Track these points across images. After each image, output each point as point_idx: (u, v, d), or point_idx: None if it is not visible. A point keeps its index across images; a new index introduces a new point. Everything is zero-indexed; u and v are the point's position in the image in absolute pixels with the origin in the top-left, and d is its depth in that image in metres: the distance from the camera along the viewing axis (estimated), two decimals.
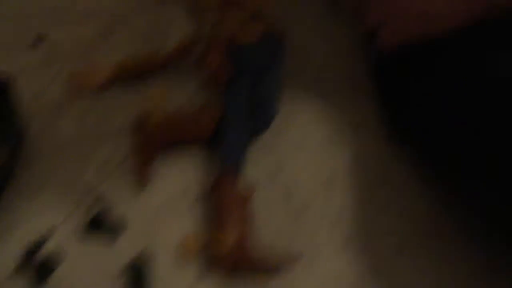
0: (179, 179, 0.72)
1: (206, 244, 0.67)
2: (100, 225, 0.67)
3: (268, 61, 0.78)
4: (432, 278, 0.67)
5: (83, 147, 0.75)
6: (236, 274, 0.65)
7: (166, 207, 0.69)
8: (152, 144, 0.71)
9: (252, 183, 0.69)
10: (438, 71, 0.67)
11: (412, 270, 0.68)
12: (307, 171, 0.73)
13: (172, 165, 0.73)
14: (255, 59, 0.77)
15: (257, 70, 0.76)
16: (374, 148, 0.77)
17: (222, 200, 0.65)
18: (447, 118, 0.66)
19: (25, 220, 0.69)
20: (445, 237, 0.70)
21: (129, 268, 0.65)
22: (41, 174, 0.72)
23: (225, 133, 0.70)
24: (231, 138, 0.70)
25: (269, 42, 0.79)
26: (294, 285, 0.66)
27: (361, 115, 0.80)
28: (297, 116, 0.79)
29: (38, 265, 0.65)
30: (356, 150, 0.76)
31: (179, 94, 0.81)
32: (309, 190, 0.72)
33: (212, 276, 0.66)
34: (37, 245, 0.66)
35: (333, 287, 0.67)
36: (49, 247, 0.67)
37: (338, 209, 0.71)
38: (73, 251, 0.67)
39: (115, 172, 0.72)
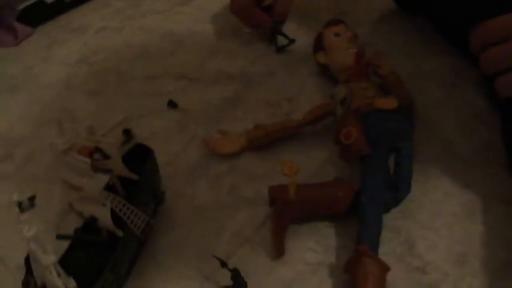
0: (311, 254, 0.72)
1: None
2: None
3: (404, 131, 0.77)
4: None
5: (218, 214, 0.77)
6: None
7: (298, 282, 0.70)
8: (287, 217, 0.71)
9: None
10: None
11: None
12: (437, 252, 0.72)
13: (303, 240, 0.74)
14: (391, 127, 0.76)
15: (394, 140, 0.75)
16: (509, 223, 0.74)
17: (356, 280, 0.65)
18: None
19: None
20: None
21: None
22: (175, 242, 0.74)
23: (363, 210, 0.70)
24: (368, 216, 0.69)
25: (402, 112, 0.78)
26: None
27: (496, 187, 0.78)
28: (427, 193, 0.78)
29: None
30: (491, 226, 0.74)
31: (308, 163, 0.82)
32: (440, 271, 0.70)
33: None
34: None
35: None
36: None
37: (469, 287, 0.69)
38: None
39: (248, 242, 0.73)
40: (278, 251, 0.71)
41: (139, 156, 0.73)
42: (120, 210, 0.65)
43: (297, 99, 0.92)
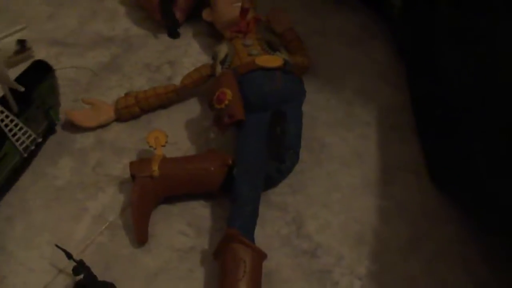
0: (181, 238, 0.62)
1: None
2: None
3: (289, 92, 0.67)
4: None
5: (79, 196, 0.66)
6: None
7: (164, 272, 0.60)
8: (150, 196, 0.61)
9: (265, 246, 0.58)
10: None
11: None
12: (330, 232, 0.63)
13: (174, 222, 0.63)
14: (273, 88, 0.66)
15: (277, 102, 0.65)
16: (413, 195, 0.66)
17: (225, 270, 0.54)
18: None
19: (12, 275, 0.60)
20: None
21: None
22: (28, 229, 0.64)
23: (235, 188, 0.59)
24: (241, 193, 0.59)
25: (289, 72, 0.68)
26: None
27: (402, 155, 0.70)
28: (322, 164, 0.69)
29: None
30: (395, 200, 0.66)
31: (185, 134, 0.72)
32: (333, 254, 0.62)
33: None
34: None
35: None
36: None
37: (367, 271, 0.60)
38: None
39: (110, 228, 0.63)
40: (139, 237, 0.61)
41: (40, 74, 0.68)
42: (2, 120, 0.62)
43: (180, 62, 0.81)
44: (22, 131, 0.64)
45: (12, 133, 0.63)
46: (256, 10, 0.77)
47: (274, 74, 0.65)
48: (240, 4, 0.74)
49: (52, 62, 0.77)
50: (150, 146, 0.63)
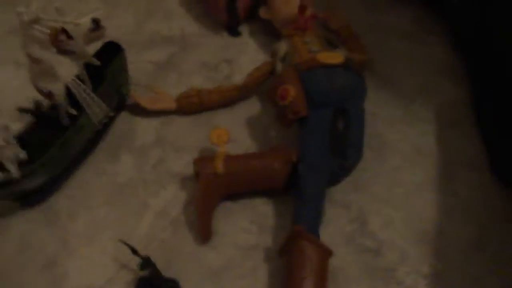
0: (244, 236, 0.62)
1: None
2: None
3: (352, 89, 0.66)
4: None
5: (141, 192, 0.67)
6: None
7: (228, 269, 0.60)
8: (214, 193, 0.61)
9: (329, 243, 0.57)
10: None
11: None
12: (394, 229, 0.62)
13: (237, 219, 0.63)
14: (336, 85, 0.65)
15: (340, 99, 0.64)
16: (476, 193, 0.65)
17: (291, 267, 0.54)
18: None
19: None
20: None
21: None
22: (90, 226, 0.64)
23: (300, 183, 0.59)
24: (307, 190, 0.59)
25: (351, 69, 0.67)
26: None
27: (464, 152, 0.69)
28: (384, 160, 0.68)
29: None
30: (459, 198, 0.65)
31: (247, 131, 0.72)
32: (397, 251, 0.61)
33: None
34: None
35: None
36: None
37: (432, 270, 0.59)
38: None
39: (173, 224, 0.63)
40: (204, 234, 0.61)
41: (111, 54, 0.73)
42: (80, 94, 0.65)
43: (237, 61, 0.81)
44: (98, 104, 0.68)
45: (89, 106, 0.67)
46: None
47: (335, 71, 0.65)
48: (297, 0, 0.73)
49: None
50: (213, 144, 0.63)
